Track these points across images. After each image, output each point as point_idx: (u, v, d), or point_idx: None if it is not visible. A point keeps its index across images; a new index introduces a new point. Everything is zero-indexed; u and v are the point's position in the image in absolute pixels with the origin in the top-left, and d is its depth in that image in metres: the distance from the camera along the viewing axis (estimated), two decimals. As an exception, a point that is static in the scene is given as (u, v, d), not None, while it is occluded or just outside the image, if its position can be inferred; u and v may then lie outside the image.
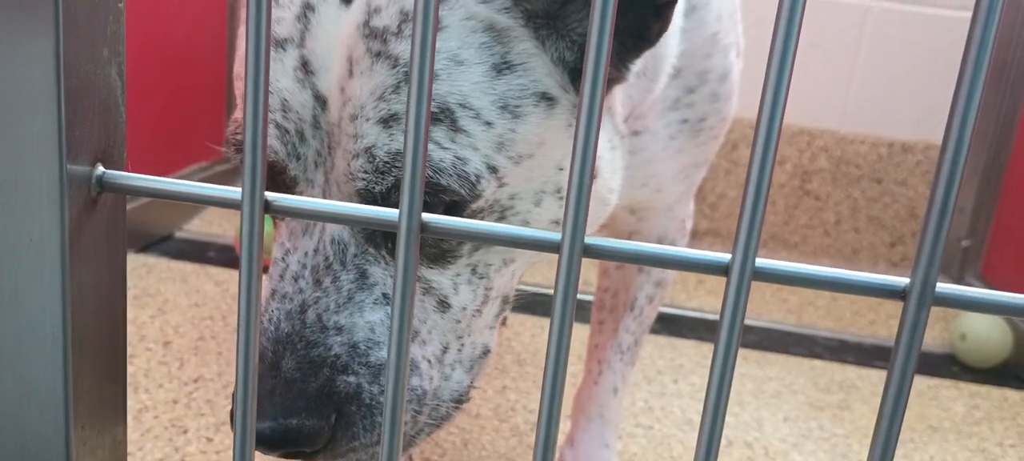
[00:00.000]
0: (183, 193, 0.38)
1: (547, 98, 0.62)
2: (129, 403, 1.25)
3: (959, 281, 2.06)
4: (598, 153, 0.68)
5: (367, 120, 0.56)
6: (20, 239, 0.38)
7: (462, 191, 0.58)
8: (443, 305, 0.63)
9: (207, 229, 1.96)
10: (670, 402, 1.43)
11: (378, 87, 0.56)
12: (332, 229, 0.59)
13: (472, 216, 0.61)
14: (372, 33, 0.56)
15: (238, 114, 0.62)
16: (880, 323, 1.88)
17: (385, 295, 0.60)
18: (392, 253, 0.61)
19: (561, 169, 0.65)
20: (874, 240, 2.28)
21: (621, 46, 0.64)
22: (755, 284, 0.34)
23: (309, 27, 0.58)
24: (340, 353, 0.59)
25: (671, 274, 1.11)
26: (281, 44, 0.58)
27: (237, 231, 1.86)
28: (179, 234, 1.91)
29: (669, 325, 1.73)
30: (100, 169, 0.39)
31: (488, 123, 0.59)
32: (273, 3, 0.58)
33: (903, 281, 0.34)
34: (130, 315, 1.49)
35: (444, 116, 0.57)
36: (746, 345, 1.67)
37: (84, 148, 0.38)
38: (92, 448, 0.42)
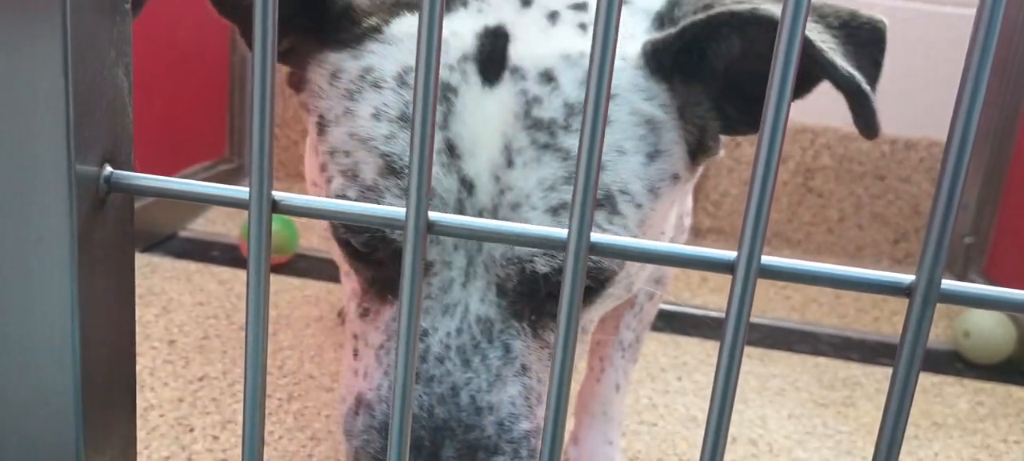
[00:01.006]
0: (191, 193, 0.39)
1: (676, 177, 0.65)
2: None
3: (962, 278, 2.06)
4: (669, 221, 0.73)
5: (534, 209, 0.57)
6: (29, 239, 0.38)
7: (616, 269, 0.62)
8: None
9: (211, 229, 1.96)
10: (674, 399, 1.43)
11: (547, 178, 0.57)
12: (476, 309, 0.59)
13: (611, 286, 0.64)
14: (536, 124, 0.57)
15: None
16: (884, 320, 1.88)
17: (524, 366, 0.61)
18: (532, 325, 0.62)
19: (663, 233, 0.69)
20: (878, 237, 2.28)
21: (730, 131, 0.68)
22: (759, 281, 0.34)
23: (452, 110, 0.58)
24: (491, 434, 0.59)
25: (670, 271, 1.11)
26: None
27: (241, 230, 1.86)
28: (183, 233, 1.91)
29: (672, 322, 1.73)
30: (108, 169, 0.39)
31: (639, 205, 0.62)
32: (403, 82, 0.58)
33: (908, 278, 0.34)
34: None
35: (607, 202, 0.60)
36: (750, 342, 1.67)
37: (92, 148, 0.38)
38: (102, 447, 0.42)
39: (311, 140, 0.66)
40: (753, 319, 1.75)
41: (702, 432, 0.39)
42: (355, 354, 0.67)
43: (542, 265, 0.59)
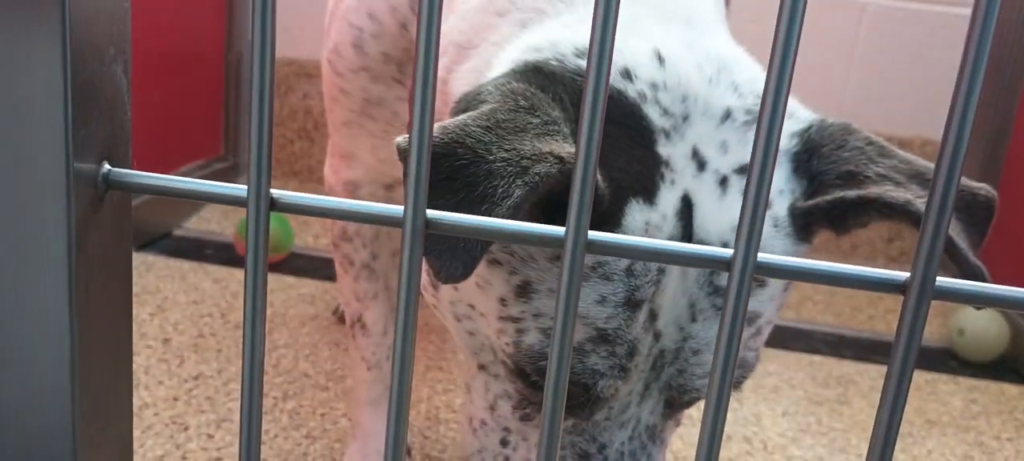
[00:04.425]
0: (189, 190, 0.39)
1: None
2: (129, 401, 1.25)
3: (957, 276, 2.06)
4: None
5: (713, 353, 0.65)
6: (27, 237, 0.38)
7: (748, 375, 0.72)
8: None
9: (205, 227, 1.96)
10: (669, 398, 1.43)
11: None
12: (646, 419, 0.68)
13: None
14: (716, 291, 0.64)
15: None
16: (878, 318, 1.88)
17: (664, 441, 0.72)
18: (676, 416, 0.72)
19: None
20: (872, 235, 2.28)
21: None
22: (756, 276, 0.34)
23: (660, 287, 0.64)
24: None
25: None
26: (638, 305, 0.64)
27: (236, 228, 1.86)
28: (177, 232, 1.91)
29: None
30: (106, 167, 0.39)
31: (770, 322, 0.72)
32: (631, 272, 0.63)
33: (903, 275, 0.34)
34: (130, 313, 1.49)
35: (757, 333, 0.71)
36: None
37: (90, 146, 0.38)
38: (98, 445, 0.42)
39: (493, 289, 0.68)
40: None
41: (697, 430, 0.39)
42: (505, 442, 0.74)
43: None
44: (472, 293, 0.70)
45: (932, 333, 1.77)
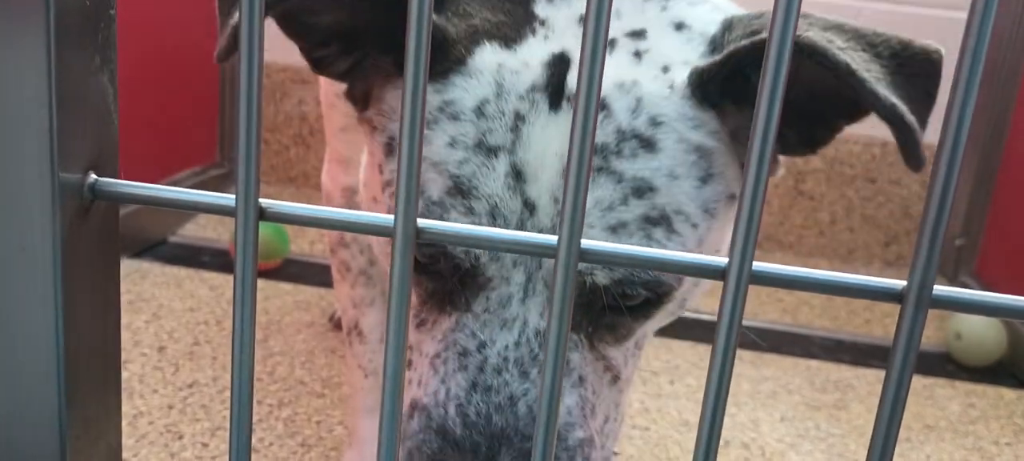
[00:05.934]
0: (177, 200, 0.38)
1: (732, 197, 0.67)
2: (124, 409, 1.24)
3: (954, 279, 2.06)
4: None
5: (592, 227, 0.60)
6: (12, 248, 0.37)
7: (675, 284, 0.64)
8: (616, 379, 0.67)
9: (201, 234, 1.95)
10: (666, 403, 1.43)
11: (603, 199, 0.60)
12: (535, 323, 0.62)
13: (667, 303, 0.66)
14: None
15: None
16: (876, 322, 1.88)
17: (580, 377, 0.64)
18: (589, 337, 0.64)
19: (718, 251, 0.70)
20: (869, 239, 2.28)
21: (787, 151, 0.71)
22: (751, 285, 0.34)
23: (520, 137, 0.60)
24: None
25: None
26: (493, 151, 0.60)
27: (232, 235, 1.86)
28: (173, 239, 1.90)
29: (665, 326, 1.72)
30: (92, 177, 0.39)
31: (694, 225, 0.64)
32: (481, 113, 0.61)
33: (900, 284, 0.34)
34: (124, 320, 1.49)
35: (663, 221, 0.63)
36: (742, 345, 1.67)
37: (76, 156, 0.38)
38: (87, 456, 0.42)
39: (374, 158, 0.67)
40: (745, 322, 1.75)
41: (694, 436, 0.39)
42: (409, 364, 0.69)
43: (602, 277, 0.61)
44: (373, 178, 0.69)
45: (929, 337, 1.77)
